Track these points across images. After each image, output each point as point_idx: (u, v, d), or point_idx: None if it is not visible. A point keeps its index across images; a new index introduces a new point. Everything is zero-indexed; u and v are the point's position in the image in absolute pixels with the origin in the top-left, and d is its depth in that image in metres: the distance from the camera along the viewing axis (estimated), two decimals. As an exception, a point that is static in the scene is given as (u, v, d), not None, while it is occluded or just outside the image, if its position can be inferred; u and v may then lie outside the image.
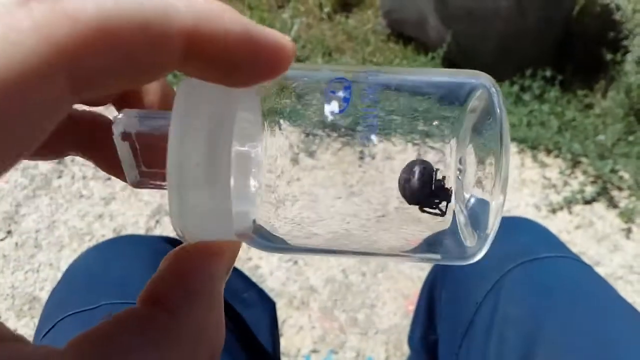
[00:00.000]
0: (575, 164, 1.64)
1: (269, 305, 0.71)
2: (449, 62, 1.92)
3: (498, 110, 0.19)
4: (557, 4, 1.79)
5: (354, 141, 0.19)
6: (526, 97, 1.83)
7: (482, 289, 0.55)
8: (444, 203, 0.20)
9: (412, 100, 0.20)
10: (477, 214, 0.19)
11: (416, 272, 1.35)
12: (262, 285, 1.26)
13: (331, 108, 0.19)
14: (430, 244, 0.21)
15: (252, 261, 1.34)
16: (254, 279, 1.08)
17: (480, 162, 0.19)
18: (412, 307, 1.25)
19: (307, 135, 0.20)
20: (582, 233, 1.49)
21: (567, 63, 1.89)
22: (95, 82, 0.14)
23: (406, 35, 2.05)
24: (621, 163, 1.61)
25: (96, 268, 0.56)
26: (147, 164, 0.20)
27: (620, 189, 1.59)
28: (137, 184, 0.21)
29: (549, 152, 1.68)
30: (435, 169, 0.19)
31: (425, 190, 0.19)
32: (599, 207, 1.55)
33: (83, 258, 0.58)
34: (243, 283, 0.69)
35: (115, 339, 0.16)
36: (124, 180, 0.22)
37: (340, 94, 0.19)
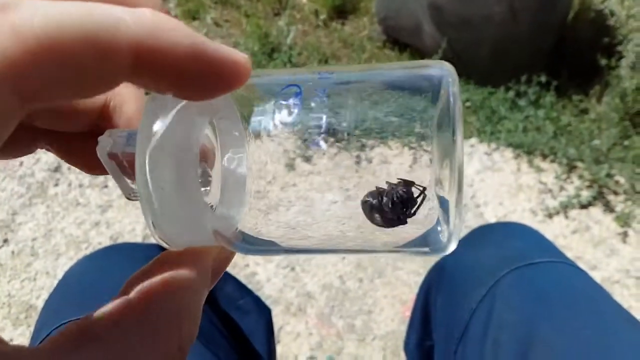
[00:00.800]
0: (571, 168, 1.65)
1: (265, 312, 0.71)
2: (445, 68, 1.93)
3: (452, 100, 0.18)
4: (551, 9, 1.80)
5: (307, 147, 0.19)
6: (522, 102, 1.84)
7: (477, 294, 0.56)
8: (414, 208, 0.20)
9: (374, 99, 0.20)
10: (445, 209, 0.20)
11: (413, 278, 1.35)
12: (259, 292, 1.26)
13: (281, 117, 0.20)
14: (420, 239, 0.21)
15: (249, 268, 1.34)
16: (251, 286, 1.08)
17: (442, 157, 0.19)
18: (409, 313, 1.25)
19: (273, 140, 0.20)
20: (579, 237, 1.50)
21: (562, 68, 1.90)
22: (43, 94, 0.14)
23: (402, 42, 2.05)
24: (617, 167, 1.61)
25: (91, 276, 0.56)
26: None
27: (616, 193, 1.59)
28: (130, 197, 0.21)
29: (544, 157, 1.69)
30: (398, 189, 0.19)
31: (397, 211, 0.19)
32: (595, 211, 1.56)
33: (78, 266, 0.58)
34: (239, 290, 0.69)
35: (88, 328, 0.17)
36: (83, 170, 0.24)
37: (291, 101, 0.19)
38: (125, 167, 0.21)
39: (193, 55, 0.16)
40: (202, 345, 0.49)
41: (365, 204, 0.20)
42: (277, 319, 1.25)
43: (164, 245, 0.20)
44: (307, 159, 0.20)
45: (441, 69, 0.20)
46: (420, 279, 1.32)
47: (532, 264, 0.56)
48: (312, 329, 1.25)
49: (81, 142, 0.24)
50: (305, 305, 1.29)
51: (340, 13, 2.22)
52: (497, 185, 1.61)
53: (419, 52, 1.99)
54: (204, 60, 0.16)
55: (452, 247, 0.20)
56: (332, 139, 0.20)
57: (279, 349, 1.21)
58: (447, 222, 0.20)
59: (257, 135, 0.20)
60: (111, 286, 0.53)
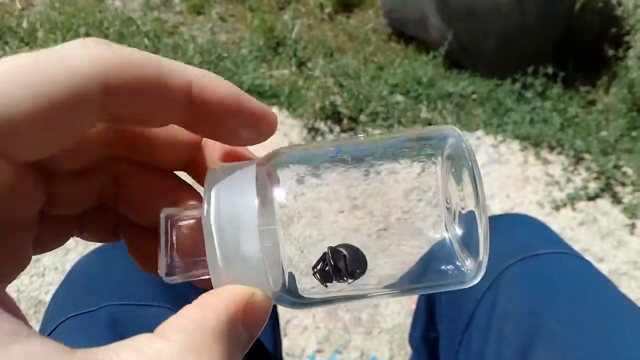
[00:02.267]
0: (578, 160, 1.64)
1: (270, 305, 0.71)
2: (451, 60, 1.92)
3: (467, 154, 0.22)
4: (557, 0, 1.79)
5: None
6: (528, 94, 1.83)
7: (481, 285, 0.55)
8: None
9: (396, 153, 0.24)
10: (469, 241, 0.22)
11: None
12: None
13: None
14: (437, 272, 0.24)
15: (256, 262, 1.34)
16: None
17: (462, 198, 0.22)
18: (415, 306, 1.25)
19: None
20: (586, 229, 1.49)
21: (569, 59, 1.88)
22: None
23: (407, 35, 2.05)
24: (624, 159, 1.60)
25: (97, 270, 0.56)
26: (182, 254, 0.23)
27: (623, 184, 1.58)
28: (169, 273, 0.22)
29: (551, 149, 1.68)
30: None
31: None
32: (603, 203, 1.55)
33: (84, 260, 0.58)
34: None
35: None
36: (139, 262, 0.26)
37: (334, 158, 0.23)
38: (173, 243, 0.23)
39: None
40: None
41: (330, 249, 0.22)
42: (285, 313, 1.25)
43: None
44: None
45: (450, 128, 0.24)
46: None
47: (537, 255, 0.55)
48: (319, 322, 1.25)
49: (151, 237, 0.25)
50: (312, 298, 1.29)
51: (346, 6, 2.21)
52: (503, 177, 1.61)
53: (425, 45, 1.98)
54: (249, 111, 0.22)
55: (479, 277, 0.23)
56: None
57: (286, 342, 1.21)
58: (473, 255, 0.22)
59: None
60: (114, 280, 0.54)
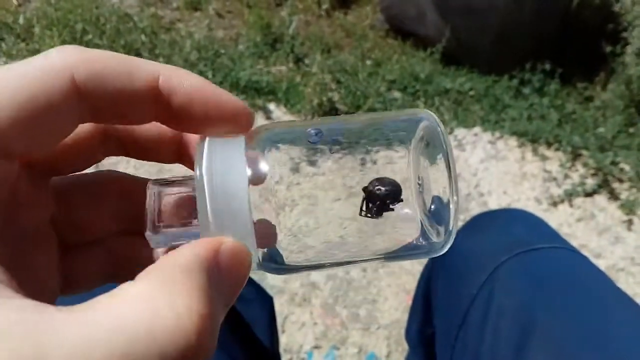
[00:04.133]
0: (575, 156, 1.64)
1: (267, 301, 0.71)
2: (448, 57, 1.92)
3: (441, 135, 0.24)
4: (555, -4, 1.79)
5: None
6: (526, 90, 1.83)
7: (477, 280, 0.56)
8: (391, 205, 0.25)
9: (374, 133, 0.26)
10: (440, 216, 0.24)
11: (417, 267, 1.35)
12: (264, 282, 1.26)
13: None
14: (409, 245, 0.26)
15: (253, 258, 1.34)
16: (256, 277, 1.08)
17: (435, 178, 0.24)
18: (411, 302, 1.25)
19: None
20: (584, 225, 1.49)
21: (566, 56, 1.88)
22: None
23: (405, 31, 2.04)
24: (622, 155, 1.60)
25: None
26: (169, 219, 0.24)
27: (621, 181, 1.58)
28: (155, 237, 0.23)
29: (549, 145, 1.68)
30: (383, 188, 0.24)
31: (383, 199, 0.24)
32: (600, 199, 1.55)
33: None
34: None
35: None
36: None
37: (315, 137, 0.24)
38: (161, 210, 0.23)
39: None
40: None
41: (366, 190, 0.24)
42: (282, 309, 1.25)
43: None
44: (312, 163, 0.24)
45: (425, 113, 0.25)
46: (421, 267, 1.33)
47: (533, 249, 0.55)
48: (317, 318, 1.26)
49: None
50: (310, 295, 1.29)
51: (343, 2, 2.21)
52: (501, 174, 1.61)
53: (422, 41, 1.98)
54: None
55: (448, 247, 0.25)
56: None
57: (284, 338, 1.21)
58: (444, 222, 0.24)
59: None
60: None
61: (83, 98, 0.20)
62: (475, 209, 1.50)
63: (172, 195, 0.24)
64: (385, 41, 2.09)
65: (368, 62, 1.96)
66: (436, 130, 0.24)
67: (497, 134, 1.71)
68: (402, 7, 1.96)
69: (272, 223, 0.23)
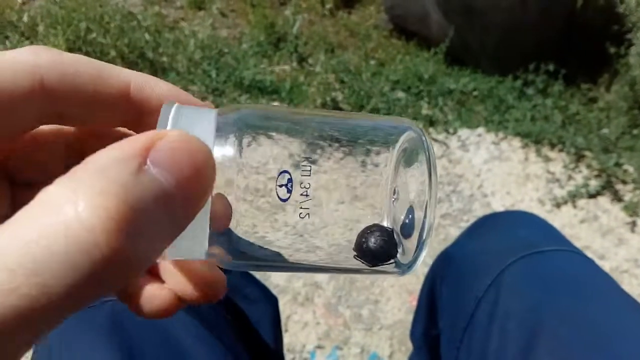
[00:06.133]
0: (579, 158, 1.64)
1: (271, 301, 0.71)
2: (452, 57, 1.92)
3: (426, 146, 0.23)
4: (559, -3, 1.79)
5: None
6: (530, 91, 1.82)
7: (483, 283, 0.55)
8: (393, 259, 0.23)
9: (351, 141, 0.24)
10: (411, 233, 0.23)
11: (420, 268, 1.34)
12: (267, 282, 1.26)
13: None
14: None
15: (256, 258, 1.34)
16: (259, 276, 1.08)
17: (413, 190, 0.23)
18: (416, 303, 1.25)
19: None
20: (587, 227, 1.49)
21: (570, 57, 1.88)
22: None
23: (409, 31, 2.04)
24: (625, 156, 1.60)
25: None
26: None
27: (624, 182, 1.58)
28: None
29: (552, 146, 1.68)
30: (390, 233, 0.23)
31: (382, 253, 0.23)
32: (604, 200, 1.55)
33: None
34: (245, 279, 0.69)
35: None
36: None
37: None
38: None
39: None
40: (207, 331, 0.50)
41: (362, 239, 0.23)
42: (285, 309, 1.25)
43: None
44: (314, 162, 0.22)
45: (409, 121, 0.24)
46: (426, 269, 1.32)
47: (539, 252, 0.55)
48: (320, 318, 1.26)
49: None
50: (313, 295, 1.29)
51: (347, 2, 2.21)
52: (504, 174, 1.61)
53: (426, 41, 1.98)
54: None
55: (415, 267, 0.23)
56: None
57: (286, 338, 1.21)
58: (416, 240, 0.22)
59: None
60: None
61: (51, 99, 0.20)
62: (478, 210, 1.50)
63: None
64: (389, 41, 2.09)
65: (372, 62, 1.96)
66: (421, 141, 0.23)
67: (501, 135, 1.71)
68: (405, 7, 1.96)
69: (230, 204, 0.21)
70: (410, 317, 1.24)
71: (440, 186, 1.55)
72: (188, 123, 0.20)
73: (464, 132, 1.71)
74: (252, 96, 1.73)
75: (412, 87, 1.84)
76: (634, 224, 1.49)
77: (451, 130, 1.71)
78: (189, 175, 0.16)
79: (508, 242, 0.58)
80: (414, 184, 0.23)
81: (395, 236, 0.23)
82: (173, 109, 0.20)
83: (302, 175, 0.22)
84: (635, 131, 1.69)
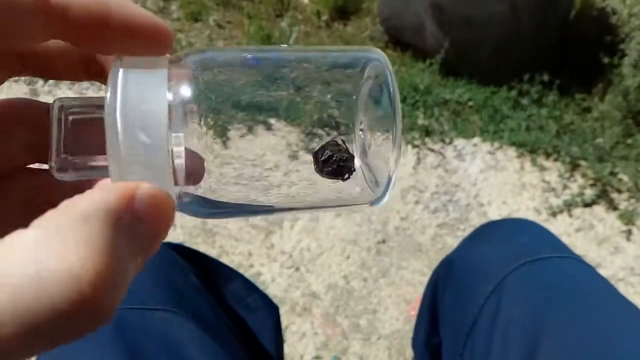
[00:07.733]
0: (574, 167, 1.65)
1: (273, 310, 0.71)
2: (447, 68, 1.93)
3: (390, 78, 0.22)
4: (553, 8, 1.80)
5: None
6: (524, 101, 1.84)
7: (485, 290, 0.56)
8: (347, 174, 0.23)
9: (316, 72, 0.23)
10: (379, 166, 0.23)
11: (417, 277, 1.35)
12: (265, 292, 1.26)
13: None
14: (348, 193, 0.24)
15: (254, 268, 1.34)
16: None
17: (379, 124, 0.23)
18: (414, 312, 1.25)
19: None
20: (583, 236, 1.50)
21: (564, 67, 1.90)
22: None
23: (404, 42, 2.06)
24: (620, 165, 1.61)
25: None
26: (77, 150, 0.21)
27: (619, 191, 1.59)
28: (60, 169, 0.20)
29: (548, 155, 1.69)
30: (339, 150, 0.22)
31: (332, 167, 0.23)
32: (599, 209, 1.56)
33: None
34: (246, 288, 0.69)
35: None
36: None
37: (252, 62, 0.22)
38: (68, 135, 0.21)
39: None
40: (210, 339, 0.50)
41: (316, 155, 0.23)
42: (283, 319, 1.24)
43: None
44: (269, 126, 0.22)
45: (376, 52, 0.24)
46: (424, 279, 1.32)
47: (540, 259, 0.56)
48: (318, 328, 1.25)
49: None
50: (311, 305, 1.29)
51: (343, 13, 2.22)
52: (500, 184, 1.61)
53: (421, 52, 1.99)
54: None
55: (387, 196, 0.23)
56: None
57: (284, 349, 1.21)
58: (381, 176, 0.23)
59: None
60: None
61: None
62: (474, 219, 1.50)
63: (82, 118, 0.21)
64: (384, 52, 2.10)
65: (367, 73, 1.96)
66: (385, 71, 0.22)
67: (497, 145, 1.71)
68: (401, 18, 1.97)
69: (200, 155, 0.20)
70: (409, 327, 1.24)
71: (437, 196, 1.56)
72: (139, 95, 0.18)
73: (459, 142, 1.72)
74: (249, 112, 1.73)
75: (408, 98, 1.85)
76: (629, 232, 1.50)
77: (447, 140, 1.72)
78: (162, 227, 0.18)
79: (509, 249, 0.59)
80: (379, 117, 0.23)
81: (360, 165, 0.23)
82: (120, 75, 0.19)
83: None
84: (629, 140, 1.70)
